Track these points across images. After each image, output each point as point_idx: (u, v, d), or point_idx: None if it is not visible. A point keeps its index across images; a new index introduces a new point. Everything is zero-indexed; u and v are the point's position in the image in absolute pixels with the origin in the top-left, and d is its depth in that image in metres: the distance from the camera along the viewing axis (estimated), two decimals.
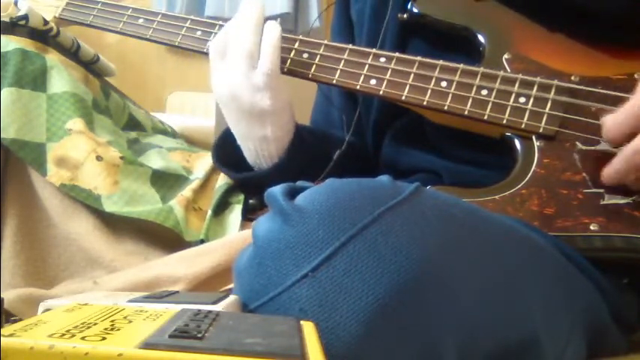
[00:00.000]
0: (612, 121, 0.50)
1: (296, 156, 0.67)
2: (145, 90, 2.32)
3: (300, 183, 0.40)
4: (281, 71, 0.64)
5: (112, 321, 0.25)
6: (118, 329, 0.23)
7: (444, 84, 0.60)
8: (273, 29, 0.64)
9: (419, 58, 0.61)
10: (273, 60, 0.62)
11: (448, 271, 0.36)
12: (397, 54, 0.63)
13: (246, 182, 0.71)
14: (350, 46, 0.65)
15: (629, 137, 0.48)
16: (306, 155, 0.68)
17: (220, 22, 0.72)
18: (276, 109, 0.63)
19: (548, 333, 0.43)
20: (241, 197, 0.71)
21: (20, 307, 0.53)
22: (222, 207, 0.70)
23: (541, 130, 0.55)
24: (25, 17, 0.72)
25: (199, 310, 0.28)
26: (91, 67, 0.81)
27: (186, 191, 0.69)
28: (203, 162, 0.76)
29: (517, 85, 0.57)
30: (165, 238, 0.65)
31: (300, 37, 0.67)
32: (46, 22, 0.74)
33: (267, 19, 0.66)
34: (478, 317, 0.38)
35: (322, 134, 0.74)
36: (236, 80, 0.62)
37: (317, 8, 2.28)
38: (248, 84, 0.62)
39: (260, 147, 0.67)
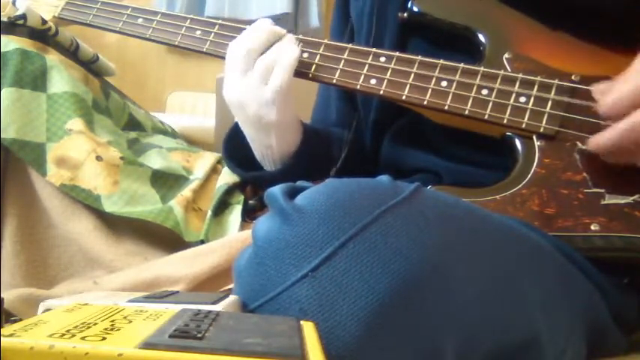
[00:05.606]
0: (614, 98, 0.49)
1: (301, 160, 0.68)
2: (145, 90, 2.32)
3: (299, 183, 0.40)
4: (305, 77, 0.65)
5: (112, 321, 0.25)
6: (118, 329, 0.23)
7: (444, 83, 0.60)
8: (293, 50, 0.64)
9: (419, 57, 0.61)
10: (284, 78, 0.62)
11: (448, 271, 0.36)
12: (397, 53, 0.62)
13: (253, 181, 0.73)
14: (350, 45, 0.65)
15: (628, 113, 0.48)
16: (312, 158, 0.69)
17: (220, 22, 0.72)
18: (282, 124, 0.65)
19: (548, 333, 0.43)
20: (241, 197, 0.71)
21: (20, 307, 0.53)
22: (222, 207, 0.70)
23: (542, 130, 0.55)
24: (23, 17, 0.72)
25: (199, 310, 0.28)
26: (90, 66, 0.80)
27: (186, 191, 0.69)
28: (203, 162, 0.76)
29: (517, 84, 0.57)
30: (166, 239, 0.65)
31: (300, 37, 0.67)
32: (44, 22, 0.74)
33: (267, 19, 0.66)
34: (478, 317, 0.38)
35: (326, 135, 0.75)
36: (246, 90, 0.63)
37: (317, 8, 2.28)
38: (256, 97, 0.63)
39: (265, 152, 0.69)
